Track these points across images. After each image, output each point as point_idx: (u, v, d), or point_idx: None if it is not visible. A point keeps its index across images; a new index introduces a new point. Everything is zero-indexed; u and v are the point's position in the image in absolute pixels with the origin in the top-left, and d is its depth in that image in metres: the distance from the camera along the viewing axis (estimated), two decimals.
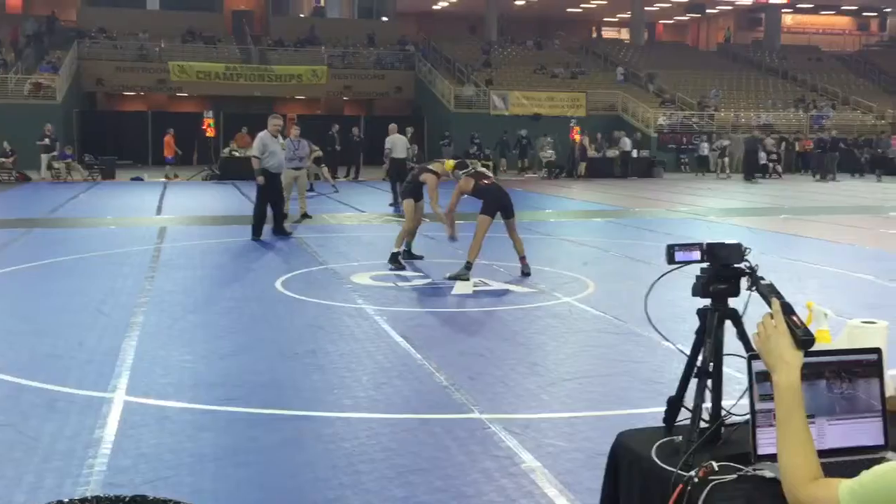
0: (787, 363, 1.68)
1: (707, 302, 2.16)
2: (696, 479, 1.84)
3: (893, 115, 34.78)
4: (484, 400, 5.08)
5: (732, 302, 2.16)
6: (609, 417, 4.73)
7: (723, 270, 2.12)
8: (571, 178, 28.16)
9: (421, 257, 10.41)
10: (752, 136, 29.72)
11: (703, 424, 2.08)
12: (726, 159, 29.69)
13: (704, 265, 2.15)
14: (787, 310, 1.73)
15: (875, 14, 54.28)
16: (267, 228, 12.51)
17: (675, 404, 2.22)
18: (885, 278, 9.42)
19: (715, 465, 1.87)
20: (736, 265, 2.11)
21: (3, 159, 23.77)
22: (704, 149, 31.25)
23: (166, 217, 15.77)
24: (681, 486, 1.85)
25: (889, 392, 2.08)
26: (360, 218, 15.91)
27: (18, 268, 9.89)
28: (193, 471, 4.03)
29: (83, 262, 10.43)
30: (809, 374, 1.82)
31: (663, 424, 2.23)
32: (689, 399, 2.14)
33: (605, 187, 24.31)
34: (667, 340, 2.48)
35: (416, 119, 32.18)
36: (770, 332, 1.71)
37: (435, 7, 47.36)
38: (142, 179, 25.12)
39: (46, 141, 24.15)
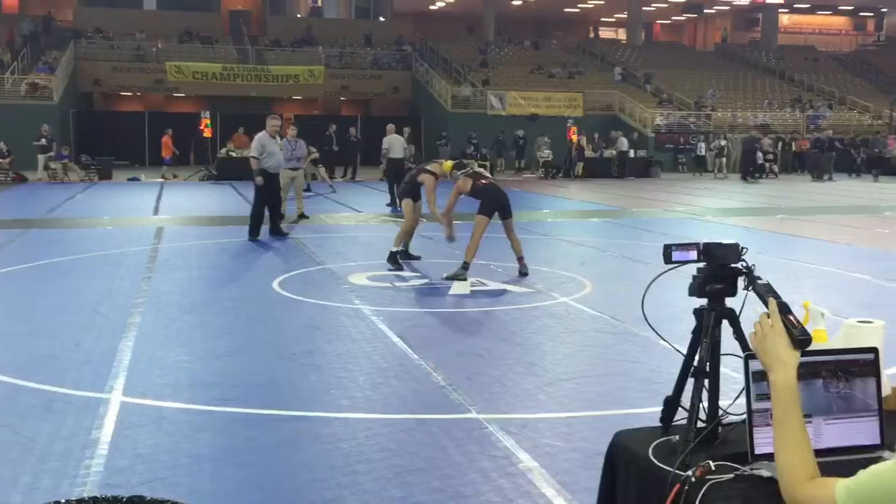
0: (784, 363, 1.69)
1: (704, 302, 2.16)
2: (693, 479, 1.84)
3: (890, 114, 34.83)
4: (481, 400, 5.08)
5: (729, 302, 2.17)
6: (606, 417, 4.73)
7: (719, 270, 2.12)
8: (568, 178, 28.17)
9: (418, 257, 10.41)
10: (750, 135, 29.76)
11: (700, 424, 2.08)
12: (724, 159, 29.73)
13: (701, 265, 2.15)
14: (784, 309, 1.74)
15: (871, 14, 54.39)
16: (264, 229, 12.50)
17: (672, 404, 2.22)
18: (881, 278, 9.43)
19: (712, 464, 1.87)
20: (733, 265, 2.11)
21: (0, 160, 23.74)
22: (701, 149, 31.28)
23: (163, 217, 15.75)
24: (678, 485, 1.85)
25: (885, 391, 2.08)
26: (357, 218, 15.90)
27: (15, 268, 9.87)
28: (190, 471, 4.02)
29: (80, 262, 10.42)
30: (806, 373, 1.82)
31: (660, 424, 2.23)
32: (686, 399, 2.14)
33: (603, 187, 24.33)
34: (664, 340, 2.48)
35: (413, 119, 32.18)
36: (767, 332, 1.71)
37: (432, 7, 47.37)
38: (139, 180, 25.10)
39: (43, 141, 24.12)
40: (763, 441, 1.85)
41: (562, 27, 47.63)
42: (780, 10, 49.28)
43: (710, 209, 17.98)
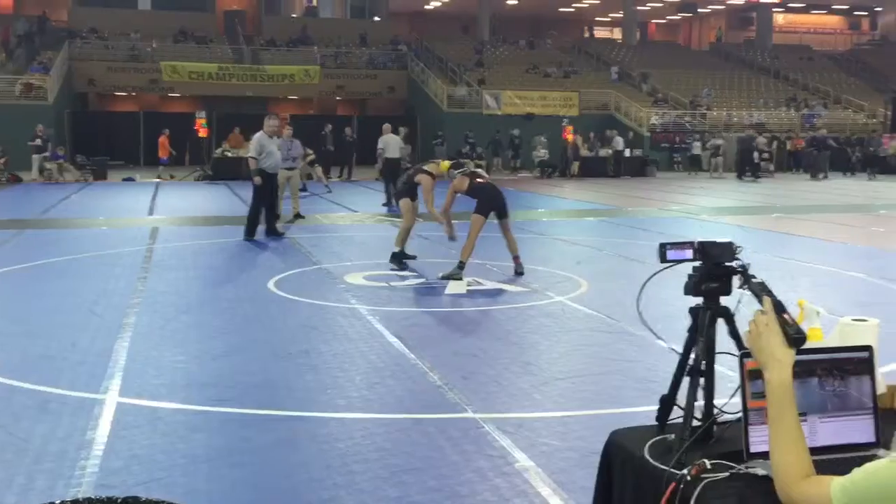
0: (779, 361, 1.69)
1: (699, 300, 2.17)
2: (688, 478, 1.84)
3: (885, 113, 34.90)
4: (477, 399, 5.08)
5: (724, 300, 2.17)
6: (602, 416, 4.74)
7: (715, 269, 2.12)
8: (564, 177, 28.19)
9: (414, 257, 10.40)
10: (747, 134, 29.82)
11: (695, 423, 2.09)
12: (720, 158, 29.77)
13: (696, 264, 2.16)
14: (779, 308, 1.74)
15: (866, 13, 54.48)
16: (259, 229, 12.48)
17: (667, 403, 2.22)
18: (876, 276, 9.45)
19: (707, 463, 1.87)
20: (728, 263, 2.11)
21: None
22: (697, 148, 31.32)
23: (158, 218, 15.72)
24: (673, 484, 1.85)
25: (880, 389, 2.09)
26: (353, 218, 15.90)
27: (10, 269, 9.85)
28: (186, 472, 4.02)
29: (75, 263, 10.40)
30: (801, 371, 1.82)
31: (656, 423, 2.24)
32: (682, 397, 2.15)
33: (598, 186, 24.35)
34: (659, 339, 2.48)
35: (408, 119, 32.15)
36: (762, 330, 1.72)
37: (427, 7, 47.35)
38: (134, 180, 25.05)
39: (38, 142, 24.05)
40: (758, 439, 1.85)
41: (557, 26, 47.66)
42: (774, 10, 49.35)
43: (706, 208, 18.00)
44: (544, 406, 5.04)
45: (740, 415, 1.91)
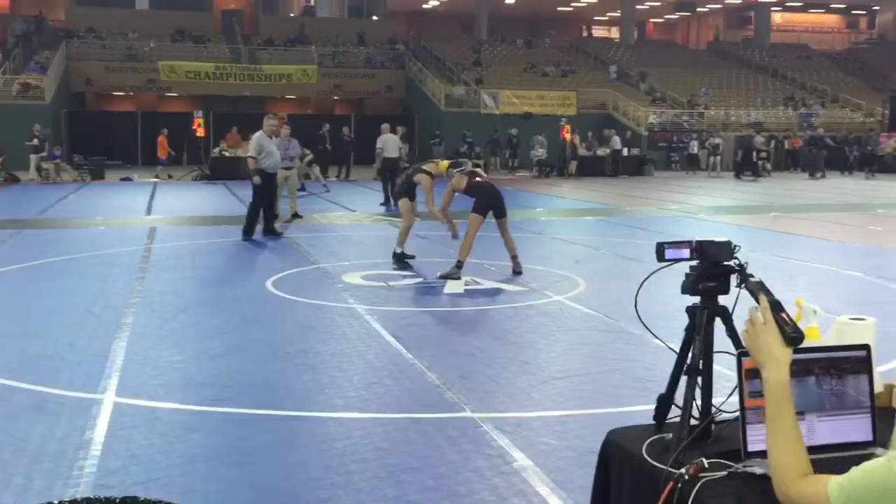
0: (777, 360, 1.69)
1: (697, 299, 2.17)
2: (686, 477, 1.84)
3: (882, 112, 34.93)
4: (475, 399, 5.08)
5: (722, 299, 2.17)
6: (600, 415, 4.74)
7: (712, 268, 2.12)
8: (562, 176, 28.20)
9: (412, 257, 10.40)
10: (747, 134, 29.86)
11: (693, 422, 2.09)
12: (718, 157, 29.80)
13: (694, 263, 2.16)
14: (777, 307, 1.74)
15: (864, 12, 54.55)
16: (257, 228, 12.48)
17: (665, 402, 2.22)
18: (874, 275, 9.46)
19: (705, 462, 1.87)
20: (725, 263, 2.11)
21: None
22: (694, 147, 31.35)
23: (156, 217, 15.71)
24: (671, 483, 1.85)
25: (877, 388, 2.09)
26: (350, 217, 15.89)
27: (8, 269, 9.84)
28: (184, 471, 4.02)
29: (73, 263, 10.39)
30: (799, 370, 1.82)
31: (654, 422, 2.24)
32: (680, 396, 2.15)
33: (596, 186, 24.35)
34: (657, 338, 2.48)
35: (406, 118, 32.15)
36: (759, 330, 1.72)
37: (425, 6, 47.36)
38: (131, 180, 25.03)
39: (35, 141, 24.02)
40: (756, 438, 1.85)
41: (555, 26, 47.67)
42: (772, 9, 49.41)
43: (704, 207, 18.01)
44: (542, 405, 5.04)
45: (738, 414, 1.91)
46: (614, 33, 51.53)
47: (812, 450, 1.70)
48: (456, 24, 46.25)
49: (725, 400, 2.11)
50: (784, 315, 1.72)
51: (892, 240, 13.08)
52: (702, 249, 2.13)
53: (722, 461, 1.88)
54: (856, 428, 1.92)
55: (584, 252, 11.47)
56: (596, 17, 53.09)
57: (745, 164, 28.39)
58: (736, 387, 1.91)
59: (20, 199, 19.25)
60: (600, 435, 2.31)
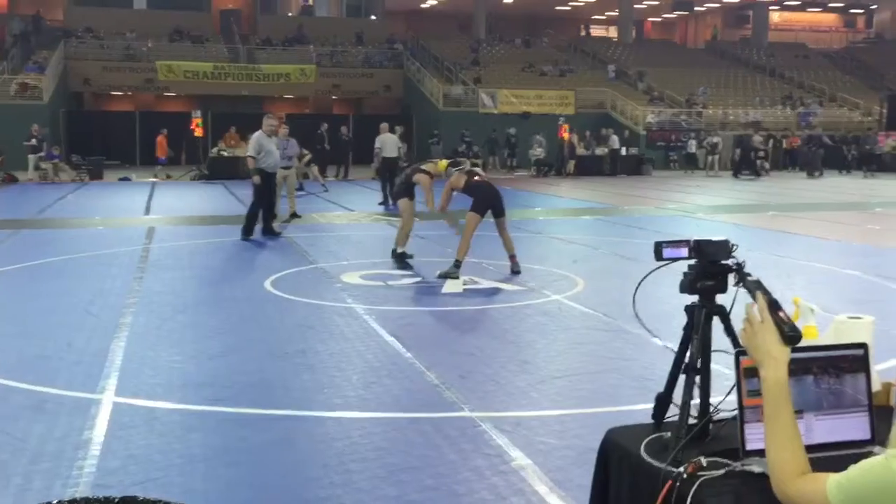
0: (775, 359, 1.69)
1: (695, 298, 2.17)
2: (684, 475, 1.85)
3: (880, 111, 34.96)
4: (474, 398, 5.08)
5: (720, 298, 2.17)
6: (599, 414, 4.74)
7: (710, 267, 2.13)
8: (560, 175, 28.20)
9: (411, 256, 10.41)
10: (746, 133, 29.87)
11: (691, 420, 2.09)
12: (716, 156, 29.82)
13: (692, 262, 2.16)
14: (774, 306, 1.74)
15: (861, 11, 54.57)
16: (256, 228, 12.47)
17: (663, 401, 2.23)
18: (871, 274, 9.47)
19: (703, 460, 1.87)
20: (723, 262, 2.11)
21: None
22: (692, 146, 31.36)
23: (155, 217, 15.70)
24: (670, 481, 1.86)
25: (875, 387, 2.09)
26: (349, 217, 15.89)
27: (6, 269, 9.83)
28: (183, 471, 4.02)
29: (71, 263, 10.38)
30: (797, 369, 1.83)
31: (652, 421, 2.24)
32: (678, 395, 2.15)
33: (594, 185, 24.36)
34: (655, 337, 2.49)
35: (404, 118, 32.14)
36: (757, 328, 1.72)
37: (423, 5, 47.34)
38: (130, 180, 25.01)
39: (33, 141, 24.00)
40: (754, 437, 1.86)
41: (553, 25, 47.67)
42: (770, 8, 49.42)
43: (702, 206, 18.02)
44: (541, 404, 5.04)
45: (736, 412, 1.92)
46: (612, 32, 51.53)
47: (810, 448, 1.70)
48: (454, 23, 46.24)
49: (724, 399, 2.12)
50: (782, 314, 1.73)
51: (889, 238, 13.09)
52: (700, 248, 2.14)
53: (720, 460, 1.89)
54: (854, 426, 1.92)
55: (582, 251, 11.47)
56: (594, 17, 53.09)
57: (745, 164, 28.40)
58: (734, 385, 1.91)
59: (18, 199, 19.24)
60: (599, 434, 2.31)
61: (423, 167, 10.19)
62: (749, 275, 1.96)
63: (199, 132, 27.37)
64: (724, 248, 2.12)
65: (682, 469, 1.86)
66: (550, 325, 7.15)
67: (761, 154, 29.68)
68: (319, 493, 3.79)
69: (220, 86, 33.01)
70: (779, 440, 1.65)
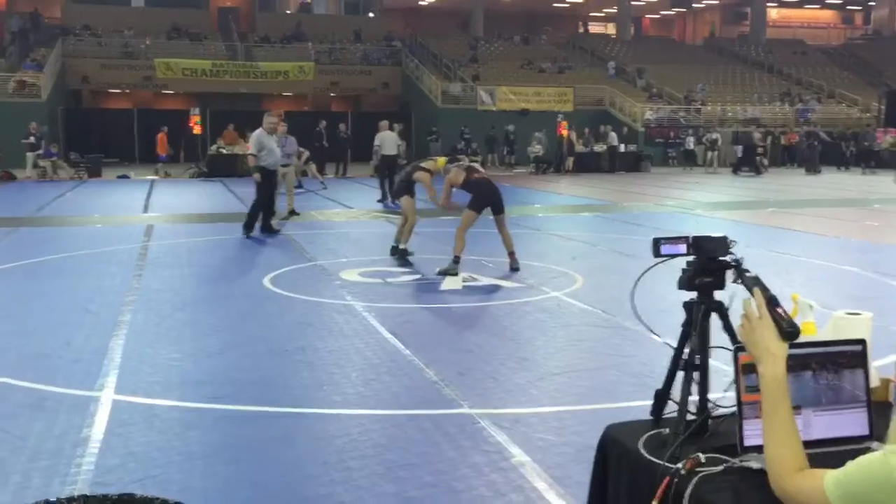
0: (773, 355, 1.69)
1: (693, 295, 2.17)
2: (683, 472, 1.85)
3: (878, 107, 34.96)
4: (473, 395, 5.08)
5: (718, 295, 2.17)
6: (598, 411, 4.75)
7: (708, 263, 2.13)
8: (559, 172, 28.20)
9: (411, 253, 10.40)
10: (748, 130, 29.87)
11: (690, 417, 2.09)
12: (715, 153, 29.83)
13: (690, 258, 2.16)
14: (773, 302, 1.74)
15: (859, 7, 54.60)
16: (255, 226, 12.46)
17: (662, 397, 2.23)
18: (870, 270, 9.48)
19: (702, 456, 1.88)
20: (721, 258, 2.12)
21: None
22: (691, 143, 31.36)
23: (153, 215, 15.70)
24: (668, 478, 1.86)
25: (874, 383, 2.09)
26: (348, 214, 15.88)
27: (5, 267, 9.82)
28: (182, 469, 4.02)
29: (70, 260, 10.38)
30: (795, 365, 1.83)
31: (651, 417, 2.24)
32: (677, 392, 2.15)
33: (593, 182, 24.36)
34: (653, 334, 2.49)
35: (403, 115, 32.11)
36: (755, 325, 1.72)
37: (421, 2, 47.32)
38: (128, 177, 24.99)
39: (31, 139, 23.99)
40: (752, 433, 1.86)
41: (551, 22, 47.66)
42: (768, 4, 49.41)
43: (701, 203, 18.03)
44: (540, 401, 5.05)
45: (734, 409, 1.92)
46: (611, 29, 51.53)
47: (808, 444, 1.70)
48: (452, 20, 46.22)
49: (722, 395, 2.12)
50: (780, 310, 1.73)
51: (888, 235, 13.10)
52: (698, 245, 2.14)
53: (719, 456, 1.89)
54: (852, 422, 1.92)
55: (581, 248, 11.48)
56: (592, 13, 53.08)
57: (746, 160, 28.37)
58: (732, 382, 1.91)
59: (17, 197, 19.22)
60: (598, 430, 2.31)
61: (423, 165, 10.20)
62: (747, 271, 1.96)
63: (197, 130, 27.35)
64: (723, 244, 2.12)
65: (680, 465, 1.86)
66: (549, 321, 7.15)
67: (759, 150, 29.69)
68: (319, 491, 3.79)
69: (219, 83, 33.00)
70: (777, 436, 1.65)
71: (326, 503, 3.69)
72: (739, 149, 29.04)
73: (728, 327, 2.16)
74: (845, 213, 15.81)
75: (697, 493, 1.80)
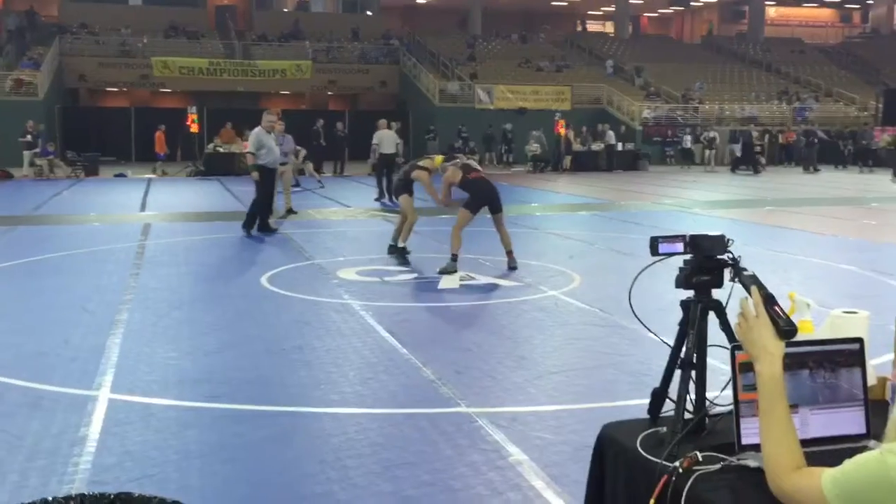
0: (770, 353, 1.69)
1: (691, 293, 2.17)
2: (680, 470, 1.84)
3: (876, 106, 35.01)
4: (471, 394, 5.08)
5: (716, 293, 2.17)
6: (595, 410, 4.75)
7: (706, 262, 2.13)
8: (557, 171, 28.21)
9: (409, 252, 10.40)
10: (746, 129, 29.91)
11: (687, 415, 2.09)
12: (713, 151, 29.83)
13: (688, 257, 2.16)
14: (770, 300, 1.74)
15: (857, 6, 54.63)
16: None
17: (659, 396, 2.23)
18: (867, 269, 9.49)
19: (699, 455, 1.87)
20: (719, 256, 2.11)
21: None
22: (688, 141, 31.37)
23: (150, 214, 15.68)
24: (665, 476, 1.86)
25: (871, 381, 2.09)
26: (345, 213, 15.88)
27: (2, 266, 9.81)
28: (179, 468, 4.02)
29: (67, 259, 10.37)
30: (792, 363, 1.83)
31: (648, 416, 2.24)
32: (674, 390, 2.15)
33: (591, 180, 24.36)
34: (651, 332, 2.49)
35: (400, 113, 32.10)
36: (752, 323, 1.72)
37: (419, 1, 47.28)
38: (125, 176, 24.97)
39: (28, 138, 23.95)
40: (750, 431, 1.86)
41: (549, 20, 47.66)
42: (766, 3, 49.44)
43: (698, 202, 18.04)
44: (538, 400, 5.05)
45: (732, 407, 1.92)
46: (609, 28, 51.51)
47: (805, 443, 1.70)
48: (450, 19, 46.20)
49: (719, 394, 2.12)
50: (777, 308, 1.73)
51: (885, 234, 13.12)
52: (695, 243, 2.14)
53: (716, 454, 1.89)
54: (849, 421, 1.92)
55: (578, 247, 11.48)
56: (590, 12, 53.07)
57: (744, 159, 28.39)
58: (730, 380, 1.91)
59: (14, 196, 19.19)
60: (595, 429, 2.31)
61: (420, 163, 10.20)
62: (745, 270, 1.96)
63: (194, 128, 27.32)
64: (720, 243, 2.12)
65: (677, 464, 1.86)
66: (547, 320, 7.16)
67: (757, 149, 29.72)
68: (316, 489, 3.79)
69: (216, 82, 32.97)
70: (774, 435, 1.65)
71: (323, 502, 3.69)
72: (737, 147, 29.04)
73: (725, 326, 2.16)
74: (843, 212, 15.83)
75: (695, 492, 1.80)
